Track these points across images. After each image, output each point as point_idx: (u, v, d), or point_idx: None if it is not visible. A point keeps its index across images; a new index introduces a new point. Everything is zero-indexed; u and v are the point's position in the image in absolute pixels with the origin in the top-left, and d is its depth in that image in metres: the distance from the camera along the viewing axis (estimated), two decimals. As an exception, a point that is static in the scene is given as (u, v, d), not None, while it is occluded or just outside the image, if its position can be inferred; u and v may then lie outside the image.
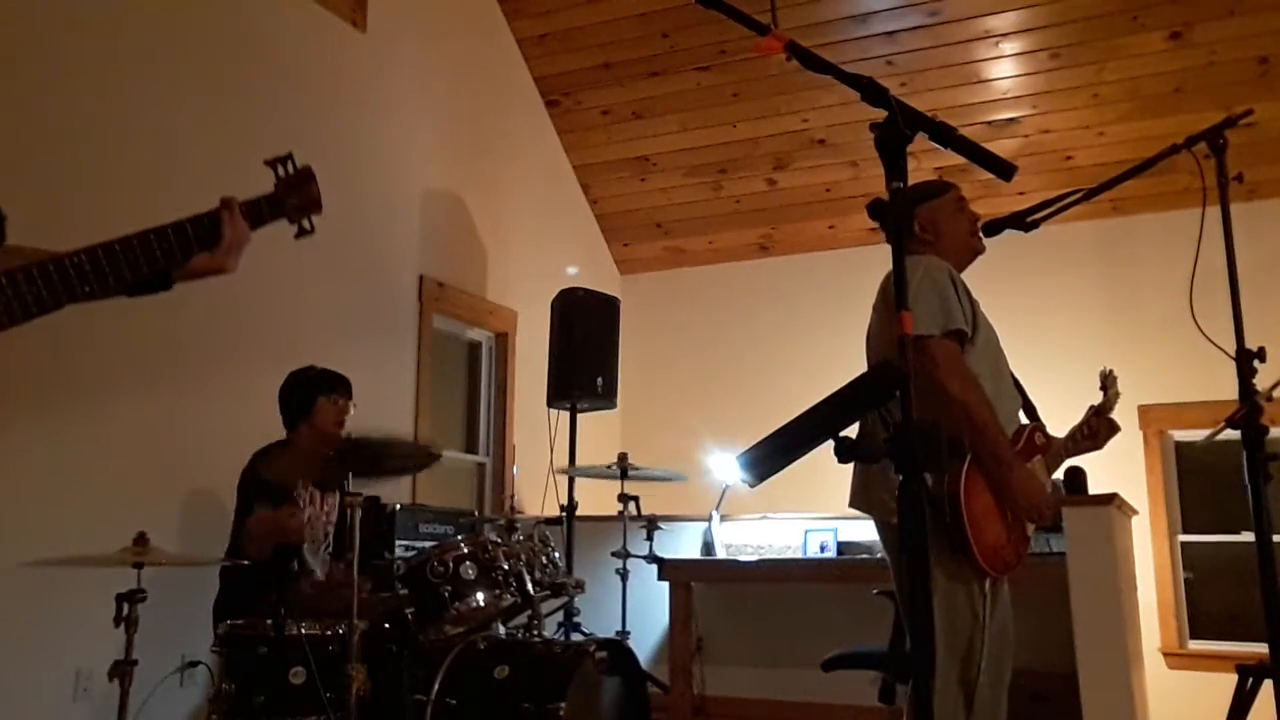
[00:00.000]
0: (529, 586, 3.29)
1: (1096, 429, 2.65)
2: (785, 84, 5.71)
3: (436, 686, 3.01)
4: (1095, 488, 3.87)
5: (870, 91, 1.46)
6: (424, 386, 5.11)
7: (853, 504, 2.55)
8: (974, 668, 2.27)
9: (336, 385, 3.56)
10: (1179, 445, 5.56)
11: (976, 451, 2.30)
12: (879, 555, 4.16)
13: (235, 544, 3.27)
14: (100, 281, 1.40)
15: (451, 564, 3.19)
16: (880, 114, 1.44)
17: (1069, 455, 2.66)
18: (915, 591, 1.36)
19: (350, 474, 2.96)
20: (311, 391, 3.52)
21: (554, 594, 3.52)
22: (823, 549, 4.92)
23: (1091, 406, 2.67)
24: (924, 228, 2.59)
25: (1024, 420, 2.63)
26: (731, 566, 4.84)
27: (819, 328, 6.14)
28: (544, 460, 5.06)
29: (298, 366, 3.60)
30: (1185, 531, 5.45)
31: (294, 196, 1.66)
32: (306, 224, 1.68)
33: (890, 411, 1.37)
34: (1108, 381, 2.68)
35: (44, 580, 3.13)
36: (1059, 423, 2.70)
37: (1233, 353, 2.37)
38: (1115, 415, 2.72)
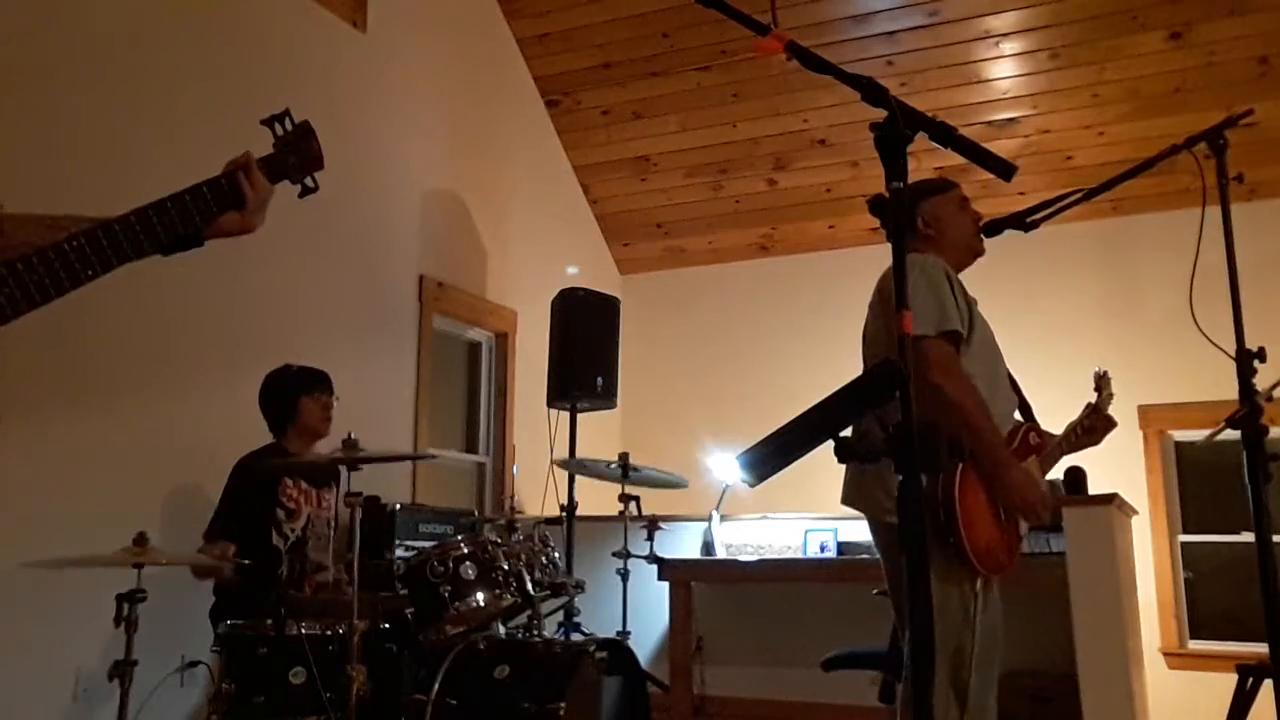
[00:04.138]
0: (529, 586, 3.29)
1: (1094, 425, 2.65)
2: (785, 84, 5.71)
3: (436, 686, 3.01)
4: (1095, 488, 3.87)
5: (870, 91, 1.46)
6: (424, 386, 5.10)
7: (845, 501, 2.55)
8: (965, 667, 2.27)
9: (315, 382, 3.56)
10: (1179, 445, 5.56)
11: (972, 452, 2.31)
12: (879, 555, 4.17)
13: (212, 526, 3.33)
14: (138, 244, 1.40)
15: (451, 564, 3.19)
16: (880, 114, 1.43)
17: (1065, 453, 2.66)
18: (915, 592, 1.36)
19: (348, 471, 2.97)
20: (293, 393, 3.53)
21: (554, 594, 3.52)
22: (823, 549, 4.92)
23: (1088, 404, 2.68)
24: (927, 223, 2.58)
25: (1018, 419, 2.63)
26: (731, 566, 4.84)
27: (819, 328, 6.14)
28: (544, 460, 5.06)
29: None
30: (1185, 531, 5.44)
31: (294, 155, 1.61)
32: (310, 182, 1.63)
33: (887, 413, 1.37)
34: (1102, 383, 2.68)
35: (44, 580, 3.13)
36: (1059, 423, 2.70)
37: (1233, 353, 2.37)
38: (1114, 414, 2.73)
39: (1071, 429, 2.65)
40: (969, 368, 2.39)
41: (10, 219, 1.42)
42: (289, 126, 1.62)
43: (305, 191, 1.63)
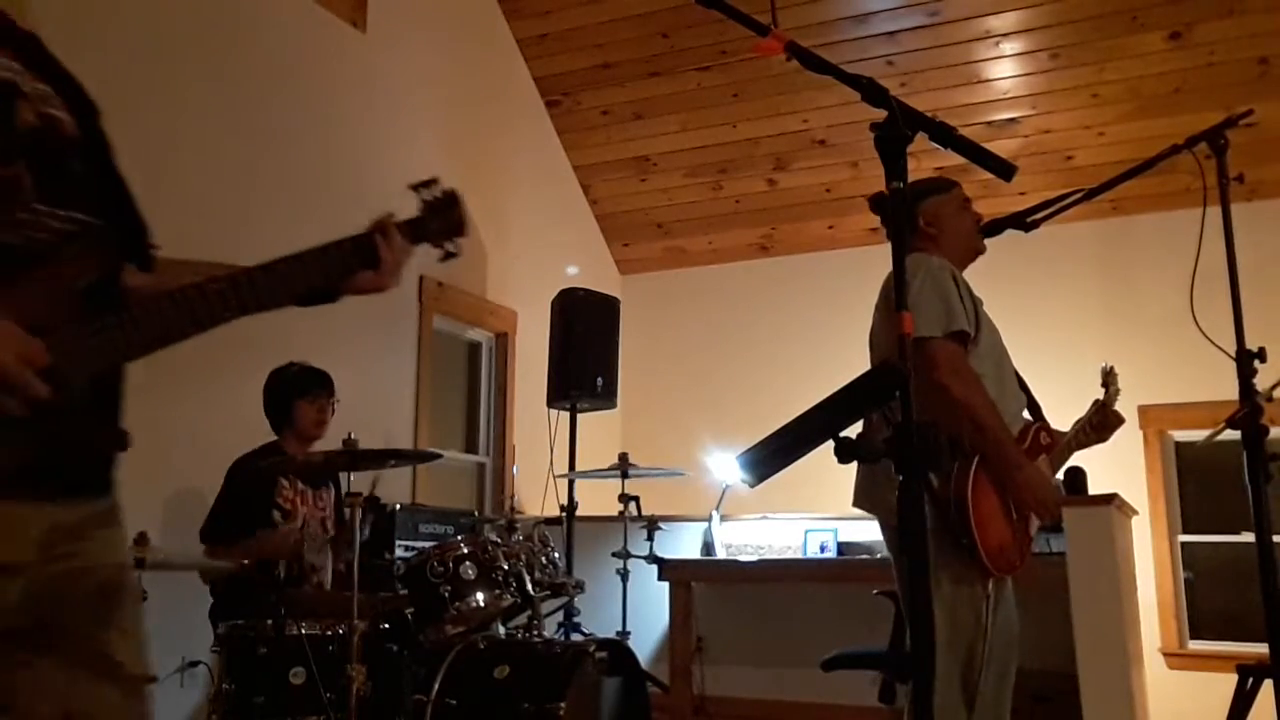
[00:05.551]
0: (529, 586, 3.29)
1: (1103, 422, 2.65)
2: (785, 84, 5.71)
3: (436, 686, 3.01)
4: (1095, 488, 3.87)
5: (870, 91, 1.46)
6: (424, 386, 5.10)
7: (856, 504, 2.56)
8: (976, 668, 2.27)
9: (313, 386, 3.56)
10: (1179, 445, 5.56)
11: (981, 452, 2.30)
12: (879, 555, 4.17)
13: (211, 527, 3.32)
14: (275, 294, 1.48)
15: (451, 564, 3.19)
16: (880, 114, 1.43)
17: (1075, 451, 2.66)
18: (915, 592, 1.36)
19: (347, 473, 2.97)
20: (289, 396, 3.53)
21: (554, 594, 3.52)
22: (823, 549, 4.92)
23: (1096, 401, 2.68)
24: (928, 222, 2.58)
25: (1028, 418, 2.63)
26: (731, 566, 4.84)
27: (819, 328, 6.14)
28: (544, 460, 5.06)
29: (294, 367, 3.62)
30: (1185, 531, 5.44)
31: (437, 220, 1.67)
32: (452, 247, 1.69)
33: (892, 411, 1.37)
34: (1109, 378, 2.68)
35: (44, 580, 3.13)
36: (1060, 423, 2.70)
37: (1233, 353, 2.37)
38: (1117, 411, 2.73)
39: (1080, 426, 2.64)
40: (977, 368, 2.39)
41: (162, 263, 1.49)
42: (438, 194, 1.68)
43: (447, 256, 1.69)
